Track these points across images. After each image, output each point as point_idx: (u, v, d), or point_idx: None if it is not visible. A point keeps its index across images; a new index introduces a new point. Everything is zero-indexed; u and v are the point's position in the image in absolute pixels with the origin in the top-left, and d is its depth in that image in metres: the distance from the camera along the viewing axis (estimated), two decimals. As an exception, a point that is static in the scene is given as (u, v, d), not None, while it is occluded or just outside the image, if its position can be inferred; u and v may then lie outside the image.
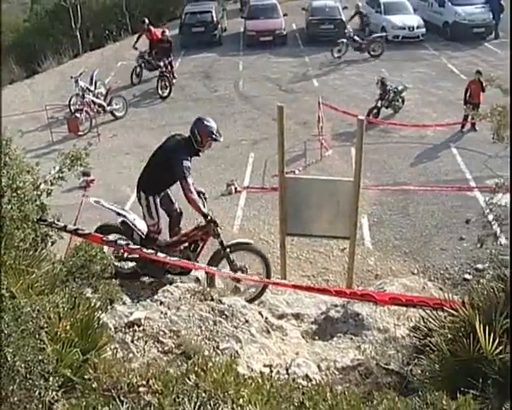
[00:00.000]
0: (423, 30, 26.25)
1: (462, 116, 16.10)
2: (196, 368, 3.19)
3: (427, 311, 4.63)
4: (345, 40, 24.07)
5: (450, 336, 3.94)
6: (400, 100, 17.75)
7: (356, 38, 24.20)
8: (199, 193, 7.55)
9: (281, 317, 7.31)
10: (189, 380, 3.20)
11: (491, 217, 9.91)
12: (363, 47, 24.23)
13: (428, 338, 4.18)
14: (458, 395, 3.09)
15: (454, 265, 10.60)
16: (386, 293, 5.84)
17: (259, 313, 6.22)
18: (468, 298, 4.08)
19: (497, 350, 3.47)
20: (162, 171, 7.09)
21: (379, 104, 17.22)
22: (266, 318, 6.16)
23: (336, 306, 6.78)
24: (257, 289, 7.76)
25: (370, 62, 23.81)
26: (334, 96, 19.66)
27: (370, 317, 6.02)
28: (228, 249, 7.50)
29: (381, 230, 11.91)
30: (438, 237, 11.56)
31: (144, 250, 6.39)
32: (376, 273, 10.42)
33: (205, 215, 7.11)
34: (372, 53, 24.35)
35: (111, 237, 6.81)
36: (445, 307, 4.22)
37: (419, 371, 4.32)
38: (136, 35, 23.44)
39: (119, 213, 7.72)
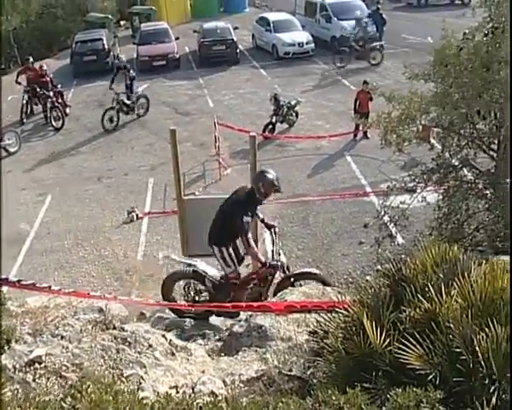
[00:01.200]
0: (312, 45, 27.13)
1: (354, 125, 16.70)
2: (73, 391, 3.14)
3: (323, 314, 4.75)
4: (347, 49, 24.48)
5: (343, 335, 4.05)
6: (294, 114, 18.20)
7: (356, 46, 24.76)
8: (270, 227, 7.95)
9: (188, 338, 7.27)
10: (65, 403, 3.15)
11: (386, 219, 10.33)
12: (363, 55, 24.80)
13: (325, 340, 4.28)
14: (348, 390, 3.20)
15: (356, 268, 10.95)
16: (281, 302, 5.94)
17: (163, 336, 6.15)
18: (358, 297, 4.23)
19: (385, 343, 3.60)
20: (227, 224, 7.27)
21: (274, 120, 17.57)
22: (170, 340, 6.10)
23: (240, 321, 6.82)
24: None
25: (264, 80, 24.28)
26: (230, 115, 19.89)
27: (273, 327, 6.08)
28: (292, 279, 7.64)
29: (283, 242, 12.08)
30: (339, 243, 11.91)
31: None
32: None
33: (263, 264, 7.31)
34: (372, 62, 24.84)
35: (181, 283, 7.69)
36: (337, 309, 4.34)
37: (320, 374, 4.42)
38: (18, 70, 22.90)
39: (190, 265, 7.87)
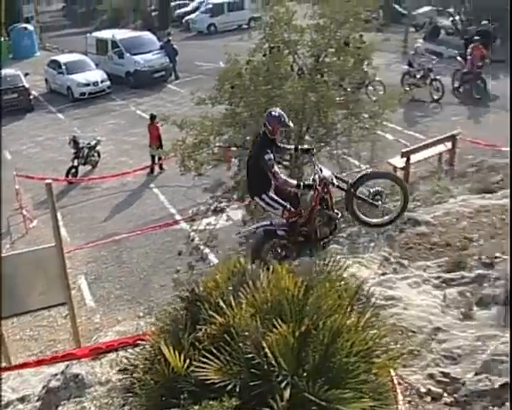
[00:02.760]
0: (108, 83, 26.92)
1: (151, 159, 16.98)
2: None
3: (131, 350, 4.71)
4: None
5: (149, 366, 4.05)
6: (96, 154, 17.92)
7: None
8: (307, 151, 7.86)
9: (6, 405, 6.82)
10: None
11: (197, 242, 10.51)
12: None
13: (135, 375, 4.24)
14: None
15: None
16: (86, 347, 5.79)
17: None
18: (158, 325, 4.25)
19: (186, 364, 3.66)
20: (257, 172, 7.33)
21: (75, 163, 17.14)
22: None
23: (56, 375, 6.53)
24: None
25: (62, 124, 23.59)
26: (31, 164, 19.06)
27: (90, 374, 5.91)
28: (352, 189, 7.39)
29: (100, 285, 11.83)
30: (156, 275, 11.88)
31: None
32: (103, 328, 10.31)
33: (298, 186, 7.28)
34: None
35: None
36: (141, 341, 4.33)
37: (134, 410, 4.36)
38: None
39: (257, 228, 7.81)
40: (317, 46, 10.55)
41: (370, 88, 17.13)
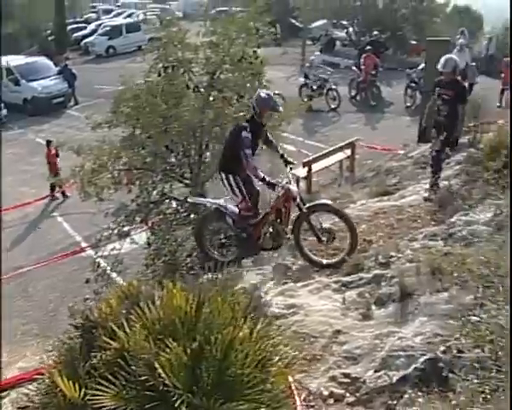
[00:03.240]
0: (4, 111, 25.96)
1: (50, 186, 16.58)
2: None
3: (31, 385, 4.54)
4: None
5: (47, 400, 3.92)
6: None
7: None
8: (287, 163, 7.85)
9: None
10: None
11: (104, 268, 10.29)
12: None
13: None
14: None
15: (85, 326, 10.67)
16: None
17: None
18: (55, 357, 4.13)
19: (82, 394, 3.57)
20: (232, 148, 7.36)
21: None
22: None
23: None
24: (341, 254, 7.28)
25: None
26: None
27: (-10, 415, 5.67)
28: (306, 213, 7.34)
29: (6, 321, 11.35)
30: (64, 306, 11.45)
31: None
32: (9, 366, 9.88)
33: (263, 179, 7.20)
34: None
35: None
36: (39, 376, 4.18)
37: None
38: None
39: (212, 203, 8.00)
40: (211, 63, 10.63)
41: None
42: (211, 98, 10.33)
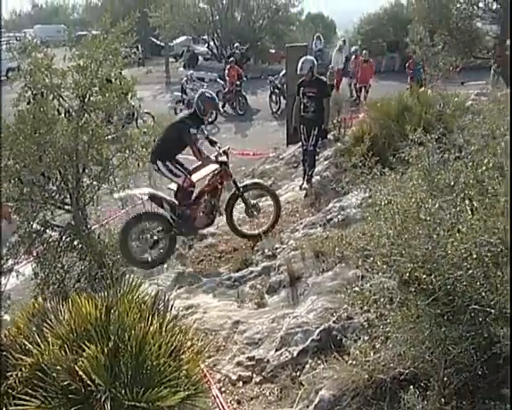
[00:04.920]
0: None
1: None
2: None
3: None
4: None
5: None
6: None
7: None
8: (213, 143, 8.72)
9: None
10: None
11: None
12: None
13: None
14: None
15: None
16: None
17: None
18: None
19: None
20: (173, 139, 7.91)
21: None
22: None
23: None
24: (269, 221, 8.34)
25: None
26: None
27: None
28: (239, 191, 8.22)
29: None
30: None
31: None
32: None
33: (216, 161, 8.18)
34: None
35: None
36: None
37: None
38: None
39: (144, 194, 8.35)
40: (80, 87, 10.63)
41: (140, 120, 17.53)
42: (83, 121, 10.34)
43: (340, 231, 6.42)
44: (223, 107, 22.68)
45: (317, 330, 4.85)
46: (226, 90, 22.25)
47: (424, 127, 6.78)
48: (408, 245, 3.62)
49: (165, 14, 32.75)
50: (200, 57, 33.22)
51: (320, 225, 7.20)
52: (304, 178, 9.63)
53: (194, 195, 8.30)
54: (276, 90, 20.83)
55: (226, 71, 22.68)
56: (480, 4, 10.75)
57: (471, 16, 10.40)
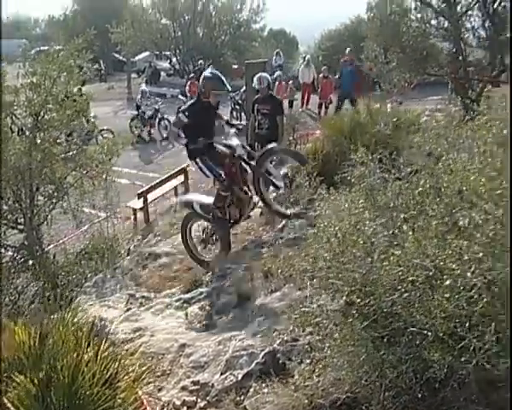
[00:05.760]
0: None
1: None
2: None
3: None
4: None
5: None
6: None
7: None
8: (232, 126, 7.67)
9: None
10: None
11: None
12: None
13: None
14: None
15: None
16: None
17: None
18: None
19: None
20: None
21: None
22: None
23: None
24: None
25: None
26: None
27: None
28: (257, 164, 7.11)
29: None
30: None
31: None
32: None
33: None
34: None
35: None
36: None
37: None
38: None
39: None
40: (34, 104, 10.48)
41: (100, 137, 17.40)
42: (37, 140, 10.18)
43: (289, 250, 6.40)
44: (184, 123, 22.60)
45: (262, 353, 4.80)
46: (188, 106, 22.17)
47: (377, 144, 6.85)
48: (345, 268, 3.60)
49: (127, 29, 32.69)
50: (162, 73, 33.19)
51: (271, 244, 7.18)
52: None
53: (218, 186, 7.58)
54: (237, 107, 20.89)
55: (187, 87, 22.66)
56: (433, 22, 10.90)
57: (423, 34, 10.53)
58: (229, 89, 7.71)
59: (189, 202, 7.95)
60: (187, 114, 7.24)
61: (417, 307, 3.41)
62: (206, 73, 7.61)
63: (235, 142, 7.22)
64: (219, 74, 7.49)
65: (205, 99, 7.35)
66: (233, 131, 7.53)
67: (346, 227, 3.71)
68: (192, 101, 7.73)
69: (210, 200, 7.56)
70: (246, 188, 7.45)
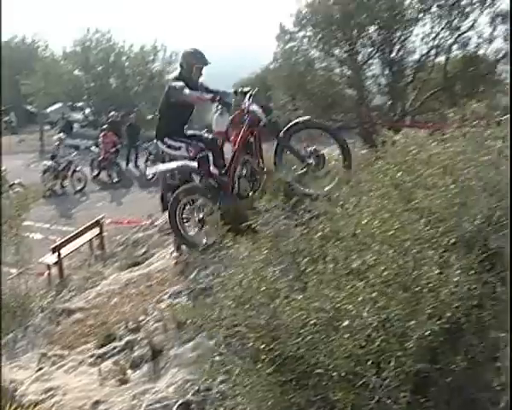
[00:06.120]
0: None
1: None
2: None
3: None
4: None
5: None
6: None
7: None
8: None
9: None
10: None
11: None
12: None
13: None
14: None
15: None
16: None
17: None
18: None
19: None
20: (169, 108, 7.06)
21: None
22: None
23: None
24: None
25: None
26: None
27: None
28: (283, 135, 6.47)
29: None
30: None
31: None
32: None
33: (212, 99, 6.75)
34: None
35: None
36: None
37: None
38: None
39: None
40: None
41: (11, 192, 16.94)
42: None
43: (201, 300, 6.41)
44: (97, 175, 22.42)
45: (176, 405, 4.78)
46: (101, 157, 22.04)
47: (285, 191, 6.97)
48: (248, 316, 3.68)
49: (39, 81, 32.22)
50: (75, 125, 32.75)
51: (184, 294, 7.16)
52: (174, 245, 9.56)
53: (231, 155, 6.93)
54: (151, 157, 20.91)
55: (101, 138, 22.52)
56: (337, 70, 11.42)
57: (328, 82, 11.00)
58: (210, 63, 7.31)
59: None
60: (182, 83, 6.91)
61: (321, 349, 3.52)
62: (188, 49, 7.33)
63: (258, 109, 6.70)
64: (199, 50, 7.30)
65: (188, 75, 7.12)
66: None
67: (249, 275, 3.79)
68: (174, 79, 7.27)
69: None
70: (260, 160, 6.83)
